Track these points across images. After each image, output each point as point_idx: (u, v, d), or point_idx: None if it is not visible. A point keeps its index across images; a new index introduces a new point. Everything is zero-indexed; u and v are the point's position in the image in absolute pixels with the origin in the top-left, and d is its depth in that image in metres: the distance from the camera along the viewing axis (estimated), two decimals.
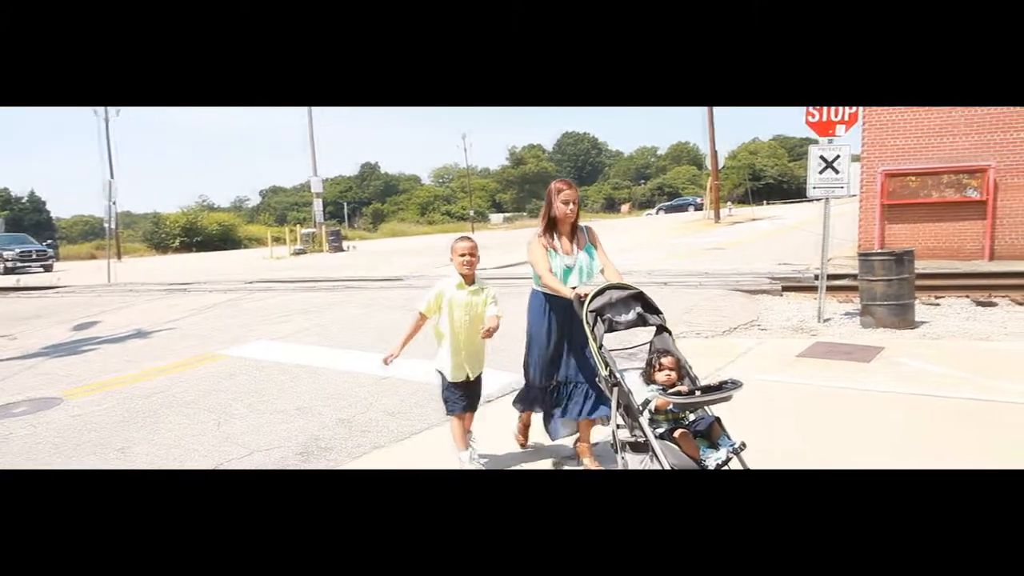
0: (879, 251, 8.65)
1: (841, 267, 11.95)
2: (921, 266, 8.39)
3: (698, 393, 3.31)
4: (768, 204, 60.56)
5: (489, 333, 4.04)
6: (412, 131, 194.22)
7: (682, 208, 56.71)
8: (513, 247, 28.77)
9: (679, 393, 3.36)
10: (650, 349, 3.84)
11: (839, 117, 8.36)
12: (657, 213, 58.31)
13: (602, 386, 3.80)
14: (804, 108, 8.54)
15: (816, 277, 9.23)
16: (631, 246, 25.08)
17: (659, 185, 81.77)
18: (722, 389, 3.24)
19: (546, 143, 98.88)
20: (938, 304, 9.50)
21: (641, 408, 3.45)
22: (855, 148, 14.10)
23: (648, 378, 3.65)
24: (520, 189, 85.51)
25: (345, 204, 69.85)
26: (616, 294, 3.81)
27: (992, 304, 9.40)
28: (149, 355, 8.77)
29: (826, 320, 8.50)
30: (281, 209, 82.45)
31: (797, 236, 22.77)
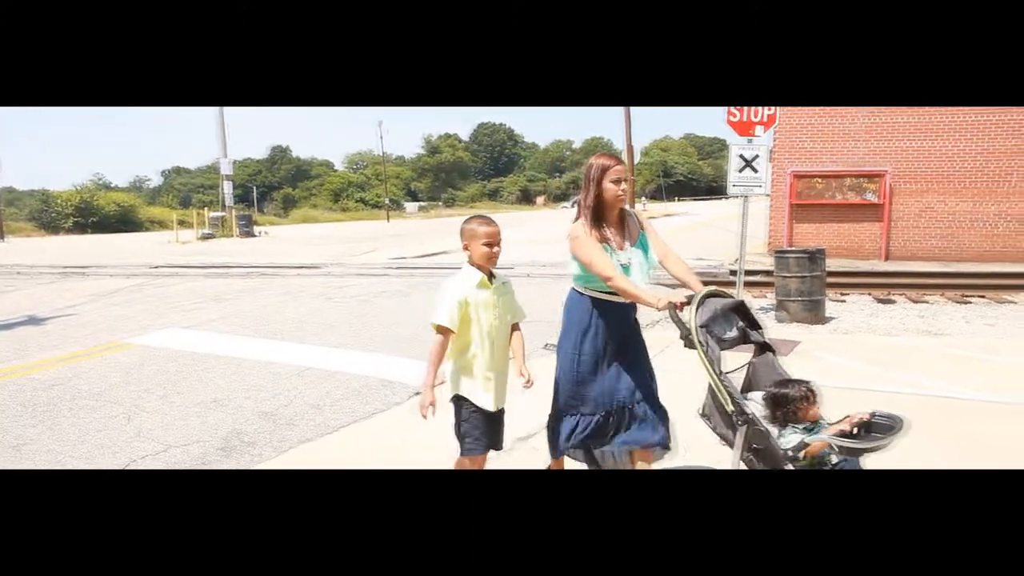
0: (794, 249, 9.01)
1: (752, 263, 12.38)
2: (829, 264, 8.78)
3: (860, 433, 2.70)
4: (680, 200, 62.36)
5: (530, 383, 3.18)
6: (324, 115, 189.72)
7: None
8: (430, 236, 28.56)
9: (843, 434, 2.70)
10: (752, 373, 3.21)
11: (759, 118, 8.62)
12: (572, 206, 58.97)
13: (709, 424, 3.12)
14: (725, 108, 8.77)
15: (732, 272, 9.53)
16: (549, 238, 25.27)
17: (574, 179, 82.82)
18: (890, 429, 2.66)
19: (462, 133, 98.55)
20: (844, 300, 9.99)
21: (792, 452, 2.79)
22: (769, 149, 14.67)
23: (786, 414, 2.91)
24: (435, 178, 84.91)
25: (254, 188, 67.45)
26: (719, 304, 3.08)
27: (891, 301, 9.96)
28: (44, 344, 8.18)
29: None
30: (185, 191, 78.92)
31: (710, 232, 23.54)
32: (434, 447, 4.56)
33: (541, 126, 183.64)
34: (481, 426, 3.19)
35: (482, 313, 3.12)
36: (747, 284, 9.89)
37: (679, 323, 3.03)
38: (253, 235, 31.62)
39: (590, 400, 3.36)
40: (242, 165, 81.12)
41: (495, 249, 3.13)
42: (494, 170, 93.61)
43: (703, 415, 3.17)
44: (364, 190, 75.11)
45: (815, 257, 8.28)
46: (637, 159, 44.42)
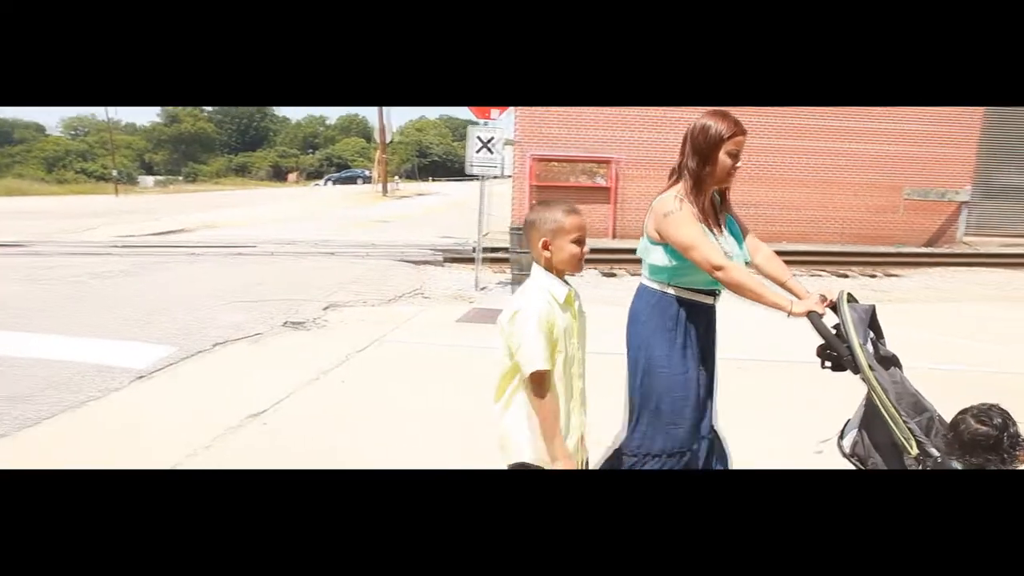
0: None
1: (498, 241, 13.04)
2: None
3: None
4: (434, 180, 63.46)
5: None
6: None
7: (351, 180, 56.71)
8: (166, 212, 26.17)
9: None
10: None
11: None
12: (326, 184, 57.60)
13: (863, 468, 2.36)
14: None
15: (475, 249, 9.99)
16: (300, 216, 24.49)
17: (328, 156, 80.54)
18: None
19: None
20: (574, 275, 10.95)
21: None
22: (508, 133, 15.49)
23: (991, 459, 2.10)
24: (175, 150, 77.75)
25: None
26: (860, 310, 2.37)
27: (614, 275, 11.11)
28: None
29: (483, 288, 9.28)
30: None
31: (460, 211, 24.27)
32: (159, 434, 4.31)
33: None
34: None
35: (567, 343, 2.20)
36: (488, 260, 10.44)
37: (829, 337, 2.33)
38: None
39: (690, 431, 2.66)
40: None
41: (585, 248, 2.23)
42: (242, 144, 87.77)
43: (849, 455, 2.42)
44: (88, 160, 66.54)
45: None
46: (391, 138, 44.43)
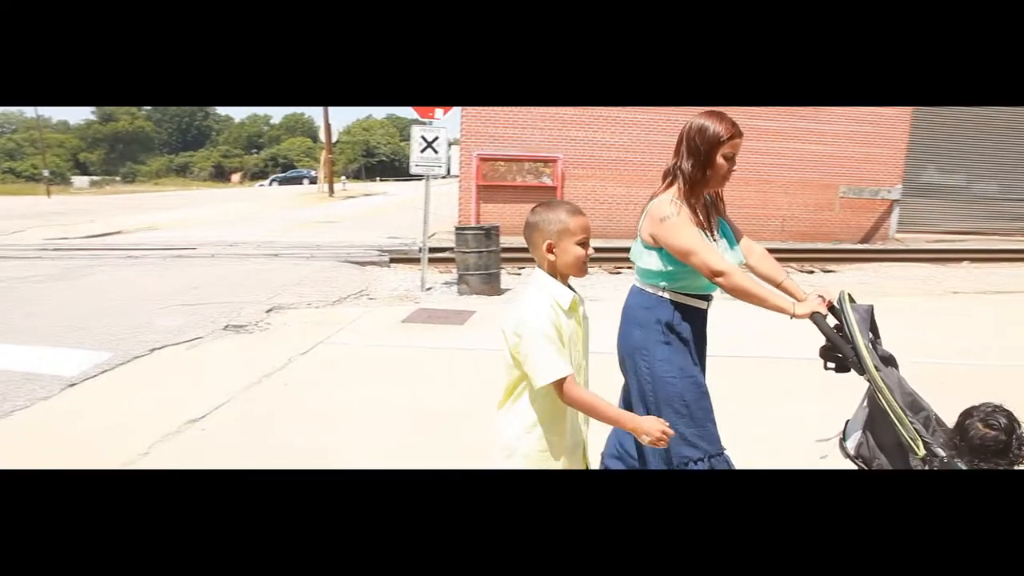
0: (471, 226, 9.66)
1: (444, 241, 13.02)
2: (507, 241, 9.58)
3: None
4: (381, 180, 62.92)
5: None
6: None
7: (297, 180, 55.80)
8: (101, 214, 25.32)
9: None
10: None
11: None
12: (270, 184, 56.58)
13: (867, 469, 2.34)
14: None
15: (420, 250, 9.95)
16: (245, 217, 24.03)
17: (273, 156, 79.07)
18: None
19: None
20: (520, 274, 10.99)
21: None
22: (454, 133, 15.50)
23: (1002, 461, 2.10)
24: (111, 149, 75.33)
25: None
26: (862, 310, 2.35)
27: None
28: None
29: (428, 289, 9.25)
30: None
31: (407, 212, 24.14)
32: (93, 442, 4.19)
33: None
34: None
35: (571, 350, 2.08)
36: (433, 260, 10.43)
37: (834, 338, 2.31)
38: None
39: (714, 434, 2.58)
40: None
41: (590, 250, 2.12)
42: (183, 143, 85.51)
43: (854, 457, 2.37)
44: (15, 159, 64.07)
45: (490, 233, 8.99)
46: (337, 138, 43.91)
